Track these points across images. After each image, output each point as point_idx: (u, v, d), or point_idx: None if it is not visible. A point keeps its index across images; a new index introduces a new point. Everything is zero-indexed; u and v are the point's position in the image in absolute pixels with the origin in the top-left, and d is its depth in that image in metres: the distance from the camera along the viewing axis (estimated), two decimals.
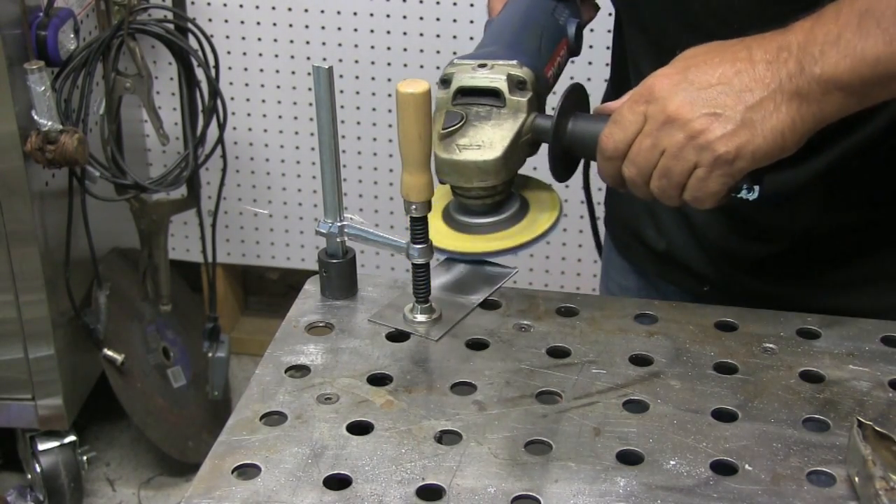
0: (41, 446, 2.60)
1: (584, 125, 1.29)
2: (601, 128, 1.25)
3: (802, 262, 1.40)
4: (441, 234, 1.36)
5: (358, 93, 2.84)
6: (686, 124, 1.17)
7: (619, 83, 1.51)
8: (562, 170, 1.33)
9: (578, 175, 1.41)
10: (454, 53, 2.75)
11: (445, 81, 1.33)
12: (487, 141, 1.29)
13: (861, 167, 1.29)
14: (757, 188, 1.22)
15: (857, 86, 1.13)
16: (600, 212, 1.64)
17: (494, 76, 1.30)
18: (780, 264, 1.41)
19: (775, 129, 1.15)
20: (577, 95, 1.31)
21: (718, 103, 1.16)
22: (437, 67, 2.76)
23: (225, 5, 2.82)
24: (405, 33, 2.77)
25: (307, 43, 2.83)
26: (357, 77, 2.83)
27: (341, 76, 2.78)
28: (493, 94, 1.30)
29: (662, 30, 1.37)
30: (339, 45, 2.81)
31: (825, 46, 1.13)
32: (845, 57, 1.12)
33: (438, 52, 2.77)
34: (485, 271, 1.37)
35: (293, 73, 2.86)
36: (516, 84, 1.30)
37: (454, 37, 2.75)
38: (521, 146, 1.31)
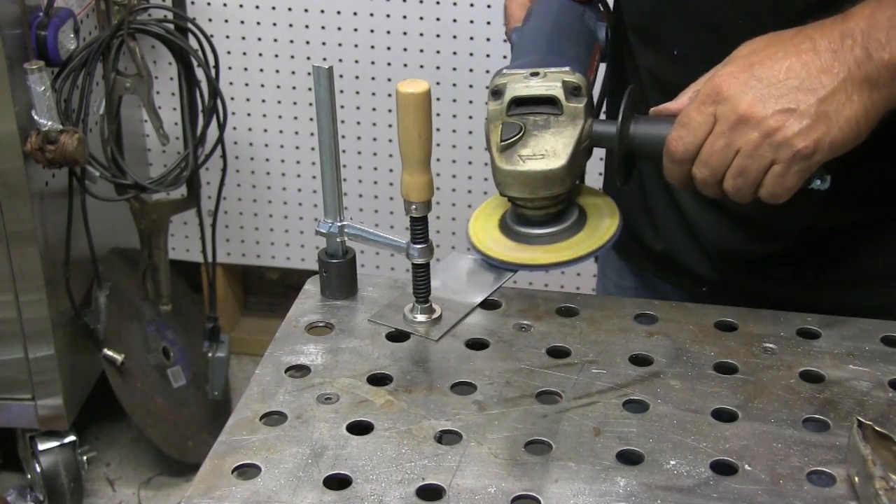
0: (41, 446, 2.60)
1: (646, 128, 1.27)
2: (666, 130, 1.23)
3: (802, 261, 1.40)
4: (505, 247, 1.35)
5: (358, 93, 2.84)
6: (760, 123, 1.16)
7: (619, 84, 1.51)
8: (624, 174, 1.32)
9: None
10: (454, 54, 2.75)
11: (497, 93, 1.30)
12: (550, 150, 1.27)
13: (861, 166, 1.29)
14: (828, 177, 1.22)
15: None
16: None
17: (550, 84, 1.28)
18: (779, 264, 1.41)
19: (850, 119, 1.15)
20: (635, 98, 1.30)
21: (791, 98, 1.15)
22: (438, 67, 2.77)
23: (225, 5, 2.82)
24: (405, 33, 2.77)
25: (307, 43, 2.83)
26: (357, 77, 2.83)
27: (341, 76, 2.78)
28: (550, 102, 1.28)
29: (660, 25, 1.37)
30: (339, 45, 2.81)
31: (891, 31, 1.13)
32: None
33: (438, 52, 2.77)
34: (485, 271, 1.37)
35: (293, 73, 2.86)
36: (571, 90, 1.28)
37: (454, 37, 2.75)
38: (582, 152, 1.29)
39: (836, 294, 1.39)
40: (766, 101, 1.16)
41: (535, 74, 1.29)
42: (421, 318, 1.29)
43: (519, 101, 1.29)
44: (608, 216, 1.35)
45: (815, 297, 1.37)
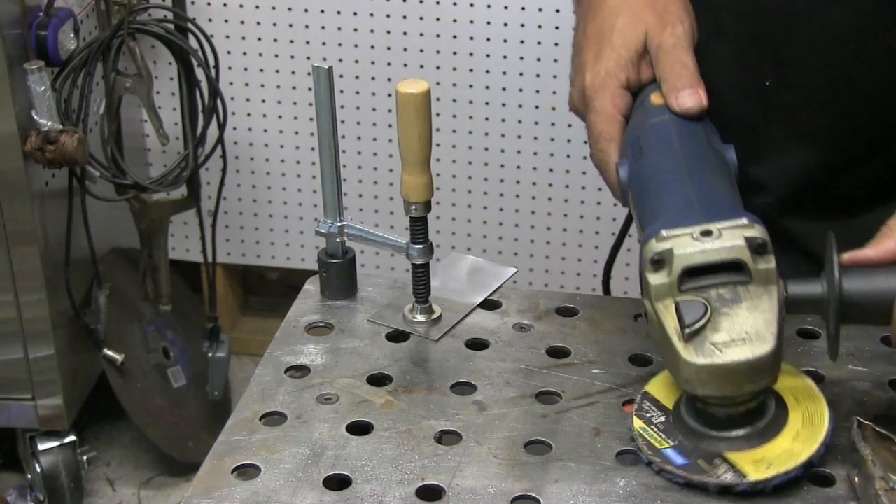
0: (41, 446, 2.60)
1: (865, 283, 1.02)
2: (893, 282, 1.01)
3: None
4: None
5: (358, 93, 2.84)
6: None
7: None
8: (836, 346, 1.06)
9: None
10: (454, 54, 2.75)
11: (659, 262, 1.01)
12: (752, 331, 0.99)
13: None
14: None
15: None
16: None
17: (731, 244, 1.00)
18: None
19: None
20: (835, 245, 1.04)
21: None
22: (438, 67, 2.77)
23: (225, 5, 2.82)
24: (405, 33, 2.77)
25: (307, 43, 2.83)
26: (357, 77, 2.83)
27: (341, 76, 2.78)
28: (734, 267, 1.01)
29: None
30: (339, 45, 2.81)
31: None
32: None
33: (438, 52, 2.77)
34: (484, 271, 1.37)
35: (293, 73, 2.86)
36: (756, 248, 1.00)
37: (454, 37, 2.75)
38: (783, 326, 1.02)
39: None
40: None
41: (706, 233, 1.01)
42: (421, 318, 1.29)
43: (693, 271, 1.01)
44: (812, 401, 1.09)
45: None
